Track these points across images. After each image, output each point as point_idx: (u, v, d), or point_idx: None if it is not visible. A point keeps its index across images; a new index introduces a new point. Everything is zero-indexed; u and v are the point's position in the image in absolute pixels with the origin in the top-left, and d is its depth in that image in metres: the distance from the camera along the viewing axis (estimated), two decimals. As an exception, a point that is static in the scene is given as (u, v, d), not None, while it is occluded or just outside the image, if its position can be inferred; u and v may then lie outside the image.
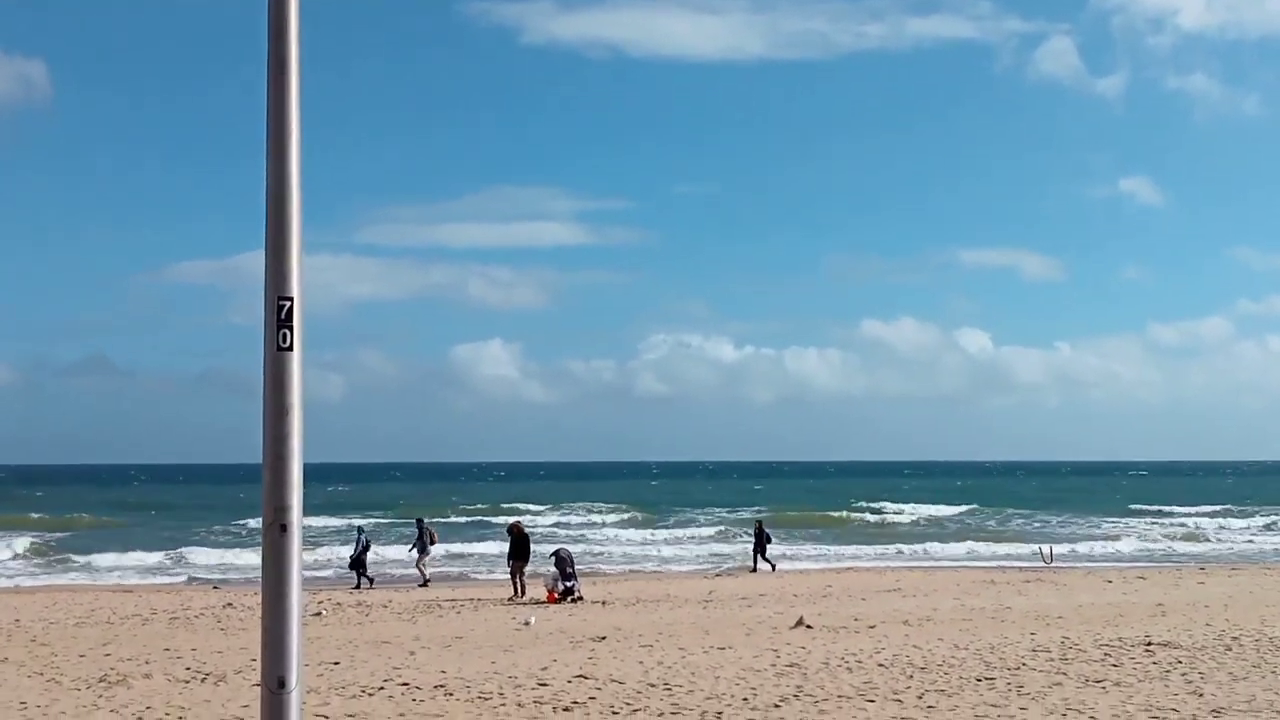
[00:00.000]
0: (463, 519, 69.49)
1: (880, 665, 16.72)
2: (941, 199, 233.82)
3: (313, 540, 43.64)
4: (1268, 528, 63.67)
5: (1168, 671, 15.94)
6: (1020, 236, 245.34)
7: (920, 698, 14.10)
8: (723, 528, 59.99)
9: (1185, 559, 45.38)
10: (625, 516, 71.55)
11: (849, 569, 39.61)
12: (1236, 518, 69.38)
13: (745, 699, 14.12)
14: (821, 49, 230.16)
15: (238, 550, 45.27)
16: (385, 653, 18.94)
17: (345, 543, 37.98)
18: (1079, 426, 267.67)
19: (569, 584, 28.61)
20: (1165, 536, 57.54)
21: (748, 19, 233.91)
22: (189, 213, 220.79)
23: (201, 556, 43.89)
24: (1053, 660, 17.07)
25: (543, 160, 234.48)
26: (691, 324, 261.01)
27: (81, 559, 43.51)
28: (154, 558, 43.53)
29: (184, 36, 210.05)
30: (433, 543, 35.16)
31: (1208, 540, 56.02)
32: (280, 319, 4.02)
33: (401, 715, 13.29)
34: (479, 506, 78.55)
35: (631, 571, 40.24)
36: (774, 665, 16.85)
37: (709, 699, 14.14)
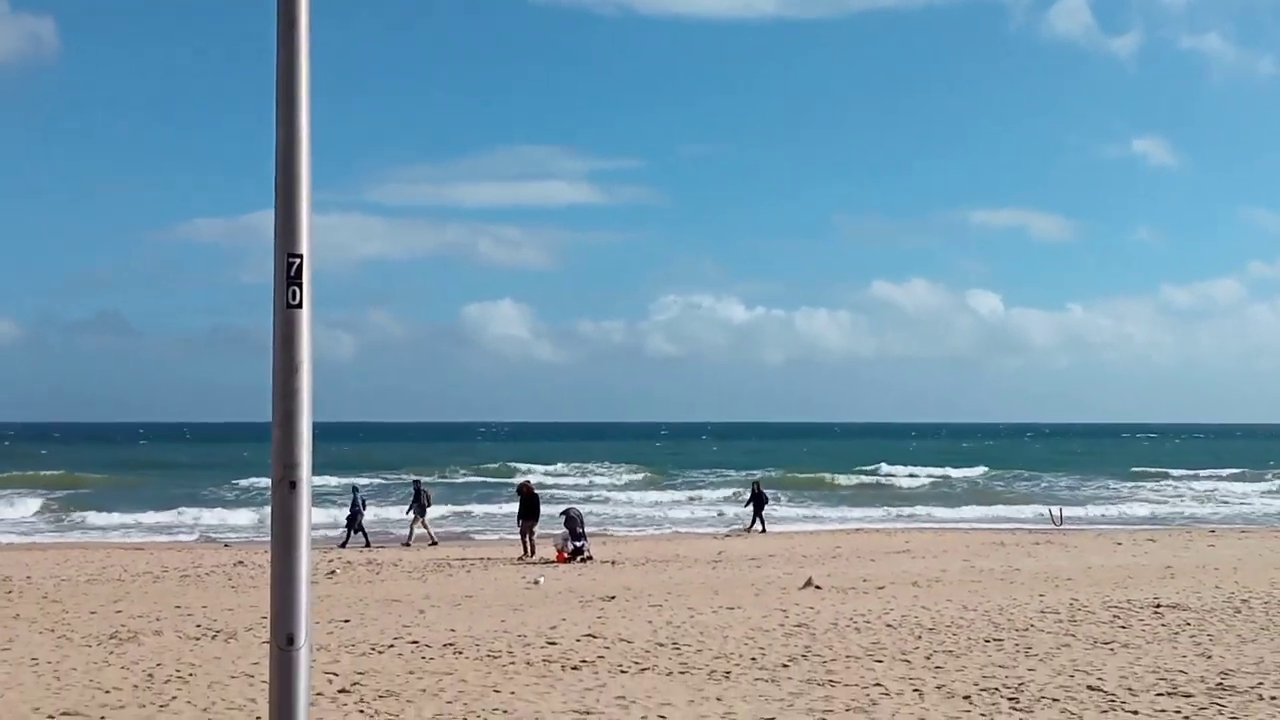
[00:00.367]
0: (474, 478, 69.68)
1: (888, 626, 16.75)
2: (953, 159, 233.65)
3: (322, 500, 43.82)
4: (1279, 491, 63.56)
5: (1176, 634, 15.96)
6: (1032, 198, 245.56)
7: (928, 658, 14.13)
8: (733, 489, 60.11)
9: (1195, 521, 45.43)
10: (635, 477, 71.63)
11: (858, 530, 39.69)
12: (1248, 480, 69.22)
13: (754, 659, 14.15)
14: (833, 8, 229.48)
15: (251, 509, 45.57)
16: (395, 611, 19.03)
17: (341, 506, 37.85)
18: (1090, 388, 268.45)
19: (578, 544, 28.69)
20: (1175, 498, 57.61)
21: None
22: (200, 170, 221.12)
23: (213, 517, 44.05)
24: (1061, 622, 17.09)
25: (553, 119, 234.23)
26: (702, 285, 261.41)
27: (92, 516, 43.82)
28: (165, 516, 43.73)
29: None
30: (429, 504, 35.23)
31: (1218, 502, 56.02)
32: (290, 276, 4.01)
33: (411, 673, 13.34)
34: (488, 466, 78.58)
35: (641, 532, 40.37)
36: (782, 625, 16.89)
37: (717, 658, 14.18)
